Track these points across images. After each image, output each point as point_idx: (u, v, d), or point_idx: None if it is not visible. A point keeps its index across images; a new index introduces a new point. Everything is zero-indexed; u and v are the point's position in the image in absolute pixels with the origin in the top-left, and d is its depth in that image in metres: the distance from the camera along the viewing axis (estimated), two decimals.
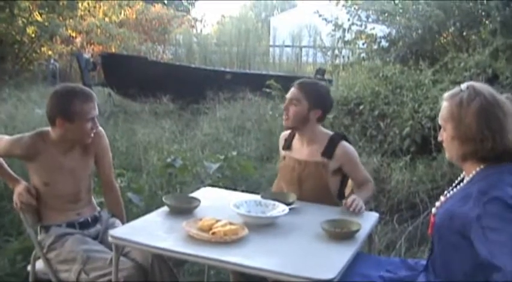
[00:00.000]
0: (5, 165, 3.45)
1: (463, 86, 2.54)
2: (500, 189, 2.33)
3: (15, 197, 3.34)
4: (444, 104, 2.58)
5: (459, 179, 2.68)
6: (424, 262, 2.85)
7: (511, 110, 2.48)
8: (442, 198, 2.70)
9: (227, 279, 4.22)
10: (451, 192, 2.66)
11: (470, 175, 2.56)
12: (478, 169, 2.53)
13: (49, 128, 3.36)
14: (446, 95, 2.60)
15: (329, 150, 3.66)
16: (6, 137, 3.35)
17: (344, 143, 3.71)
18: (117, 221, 3.56)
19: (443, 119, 2.57)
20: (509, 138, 2.44)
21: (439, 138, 2.65)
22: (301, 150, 3.76)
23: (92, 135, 3.37)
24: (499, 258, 2.17)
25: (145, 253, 3.15)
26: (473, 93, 2.47)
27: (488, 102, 2.44)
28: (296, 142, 3.83)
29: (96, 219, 3.54)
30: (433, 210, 2.70)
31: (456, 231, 2.42)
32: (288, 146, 3.86)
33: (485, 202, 2.31)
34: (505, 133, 2.43)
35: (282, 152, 3.89)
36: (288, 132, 3.95)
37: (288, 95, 3.71)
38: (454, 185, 2.69)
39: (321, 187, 3.69)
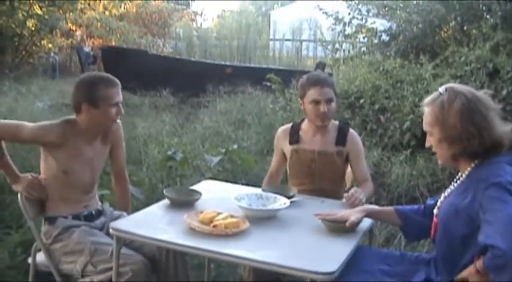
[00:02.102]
0: (10, 160, 3.43)
1: (441, 89, 2.58)
2: (500, 176, 2.36)
3: (22, 189, 3.32)
4: (426, 110, 2.62)
5: (456, 177, 2.70)
6: (424, 256, 2.86)
7: (493, 104, 2.53)
8: (441, 198, 2.72)
9: (227, 273, 4.24)
10: (449, 190, 2.68)
11: (466, 172, 2.58)
12: (472, 165, 2.55)
13: (74, 117, 3.38)
14: (426, 100, 2.64)
15: (341, 138, 3.74)
16: (30, 124, 3.31)
17: (352, 131, 3.82)
18: (124, 214, 3.55)
19: (429, 124, 2.61)
20: (495, 131, 2.47)
21: (427, 144, 2.68)
22: (313, 141, 3.77)
23: (116, 121, 3.42)
24: (492, 238, 2.20)
25: (160, 247, 3.17)
26: (452, 94, 2.51)
27: (469, 99, 2.48)
28: (304, 134, 3.83)
29: (99, 213, 3.55)
30: (435, 211, 2.71)
31: (464, 224, 2.43)
32: (296, 139, 3.84)
33: (484, 188, 2.34)
34: (490, 127, 2.46)
35: (289, 147, 3.84)
36: (287, 126, 3.94)
37: (324, 96, 3.63)
38: (452, 184, 2.70)
39: (339, 176, 3.80)
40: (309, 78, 3.76)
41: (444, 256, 2.60)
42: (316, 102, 3.64)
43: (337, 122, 3.85)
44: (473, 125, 2.44)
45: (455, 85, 2.60)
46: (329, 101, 3.65)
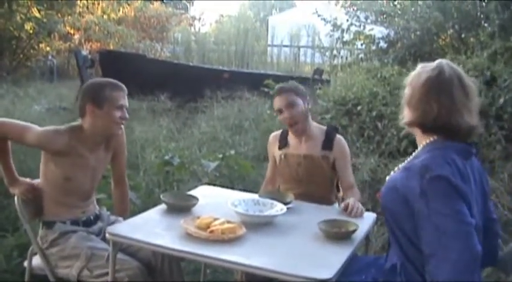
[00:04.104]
0: (12, 161, 3.42)
1: (437, 61, 2.57)
2: (442, 167, 2.34)
3: (19, 193, 3.33)
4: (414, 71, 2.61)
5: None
6: None
7: (473, 95, 2.50)
8: (396, 168, 2.71)
9: (223, 278, 4.23)
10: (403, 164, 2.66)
11: (418, 149, 2.58)
12: (424, 143, 2.55)
13: (80, 123, 3.39)
14: (420, 64, 2.63)
15: (328, 143, 3.77)
16: (38, 128, 3.30)
17: (340, 136, 3.84)
18: (120, 219, 3.56)
19: (407, 83, 2.61)
20: (458, 117, 2.43)
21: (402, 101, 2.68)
22: (299, 146, 3.81)
23: (121, 126, 3.42)
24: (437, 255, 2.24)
25: (155, 252, 3.16)
26: (434, 66, 2.51)
27: (443, 77, 2.46)
28: (292, 139, 3.87)
29: (97, 217, 3.55)
30: (387, 177, 2.70)
31: (400, 201, 2.42)
32: (284, 144, 3.88)
33: (428, 180, 2.31)
34: (454, 110, 2.43)
35: (279, 152, 3.89)
36: (278, 132, 4.00)
37: (283, 102, 3.72)
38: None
39: (327, 180, 3.82)
40: (274, 90, 3.87)
41: (388, 225, 2.60)
42: (279, 111, 3.74)
43: (324, 127, 3.90)
44: (435, 101, 2.43)
45: (450, 62, 2.57)
46: (289, 105, 3.70)
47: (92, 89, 3.35)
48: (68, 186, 3.34)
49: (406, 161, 2.63)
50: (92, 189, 3.53)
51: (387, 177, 2.68)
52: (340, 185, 3.87)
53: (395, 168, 2.68)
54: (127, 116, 3.41)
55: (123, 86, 3.41)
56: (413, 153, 2.62)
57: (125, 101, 3.38)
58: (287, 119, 3.71)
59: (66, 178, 3.32)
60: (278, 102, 3.74)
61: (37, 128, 3.29)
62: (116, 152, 3.62)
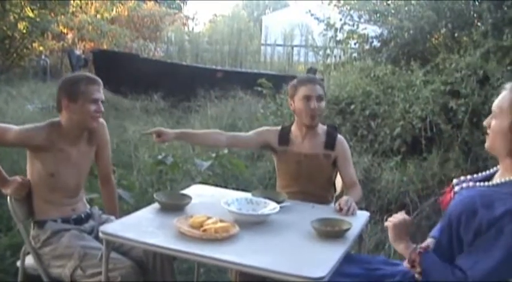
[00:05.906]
0: None
1: None
2: None
3: (11, 192, 3.32)
4: (505, 93, 2.43)
5: (494, 169, 2.55)
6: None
7: None
8: (469, 176, 2.60)
9: (217, 278, 4.23)
10: (482, 183, 2.50)
11: (507, 178, 2.40)
12: None
13: (59, 118, 3.41)
14: (510, 85, 2.44)
15: (330, 142, 3.78)
16: (17, 127, 3.32)
17: (340, 136, 3.87)
18: (112, 217, 3.56)
19: (500, 108, 2.42)
20: None
21: (485, 123, 2.50)
22: (301, 144, 3.80)
23: (98, 119, 3.44)
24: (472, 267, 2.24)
25: (146, 251, 3.16)
26: None
27: None
28: (294, 136, 3.85)
29: (88, 216, 3.54)
30: (456, 187, 2.58)
31: (474, 226, 2.30)
32: (285, 141, 3.85)
33: None
34: None
35: (278, 147, 3.86)
36: (276, 128, 3.98)
37: (315, 93, 3.71)
38: (486, 172, 2.58)
39: (326, 179, 3.84)
40: (300, 78, 3.89)
41: (438, 243, 2.56)
42: (307, 98, 3.70)
43: (325, 127, 3.90)
44: None
45: None
46: (319, 98, 3.71)
47: (67, 85, 3.38)
48: (53, 182, 3.34)
49: (481, 176, 2.55)
50: (78, 186, 3.52)
51: (457, 187, 2.57)
52: (342, 182, 3.86)
53: (470, 183, 2.53)
54: (102, 109, 3.43)
55: (98, 79, 3.44)
56: (496, 176, 2.48)
57: (99, 95, 3.41)
58: (312, 109, 3.69)
59: (50, 174, 3.33)
60: (309, 90, 3.71)
61: (16, 127, 3.31)
62: (99, 147, 3.63)
